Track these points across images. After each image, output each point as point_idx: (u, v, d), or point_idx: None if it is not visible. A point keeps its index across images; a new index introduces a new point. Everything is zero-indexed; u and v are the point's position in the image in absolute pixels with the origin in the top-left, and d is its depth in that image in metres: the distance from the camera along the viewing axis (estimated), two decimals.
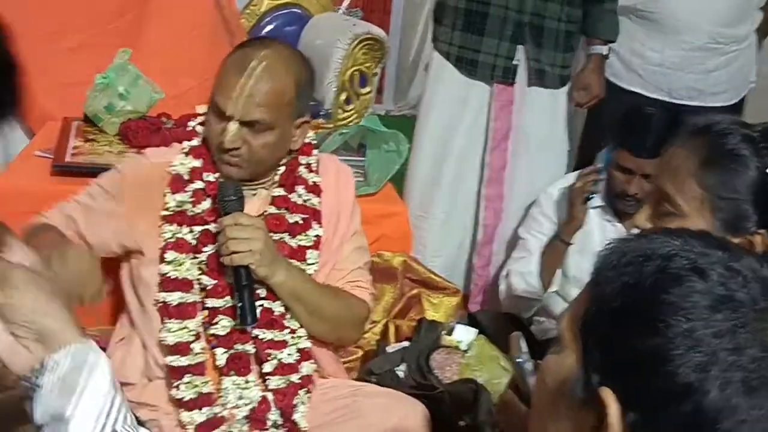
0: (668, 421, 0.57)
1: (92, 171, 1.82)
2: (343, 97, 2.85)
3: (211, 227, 1.42)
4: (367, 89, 2.94)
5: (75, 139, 2.04)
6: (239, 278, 1.36)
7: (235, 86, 1.35)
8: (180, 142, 1.51)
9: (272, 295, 1.42)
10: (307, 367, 1.44)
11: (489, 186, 2.28)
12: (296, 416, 1.42)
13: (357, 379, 1.70)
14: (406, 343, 1.85)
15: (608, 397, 0.58)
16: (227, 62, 1.40)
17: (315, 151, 1.54)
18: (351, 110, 2.89)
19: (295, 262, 1.44)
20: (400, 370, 1.76)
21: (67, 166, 1.89)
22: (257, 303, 1.39)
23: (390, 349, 1.84)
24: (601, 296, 0.62)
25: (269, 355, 1.41)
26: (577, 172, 1.97)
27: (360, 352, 1.91)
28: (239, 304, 1.37)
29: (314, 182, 1.51)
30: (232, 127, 1.37)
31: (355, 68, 2.85)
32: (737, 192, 1.09)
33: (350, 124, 2.76)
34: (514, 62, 2.22)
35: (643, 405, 0.57)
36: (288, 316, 1.43)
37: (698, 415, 0.56)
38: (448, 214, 2.34)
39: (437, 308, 1.98)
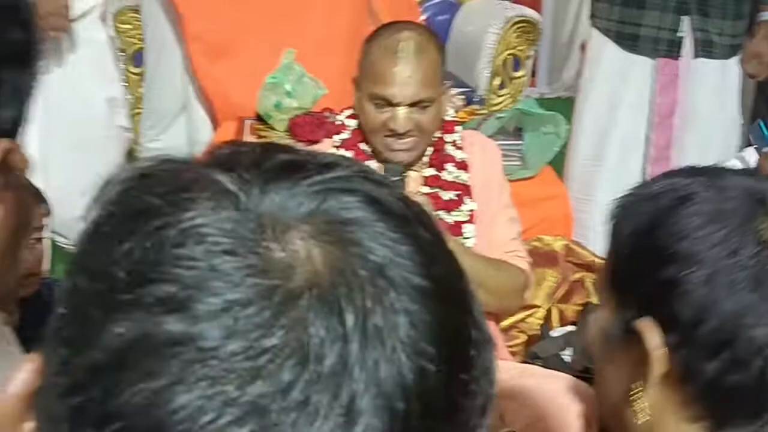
0: (702, 336, 0.62)
1: None
2: (496, 82, 2.84)
3: None
4: (521, 72, 2.90)
5: (249, 137, 2.20)
6: None
7: (396, 74, 1.40)
8: (331, 137, 1.58)
9: None
10: None
11: (654, 165, 2.19)
12: None
13: (522, 363, 1.71)
14: (571, 328, 1.83)
15: (644, 325, 0.64)
16: (374, 53, 1.44)
17: (458, 128, 1.57)
18: (505, 95, 2.87)
19: (453, 237, 1.48)
20: (566, 355, 1.75)
21: None
22: None
23: (554, 333, 1.83)
24: (619, 246, 0.68)
25: None
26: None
27: (523, 337, 1.91)
28: None
29: (461, 159, 1.54)
30: (402, 112, 1.41)
31: (508, 52, 2.83)
32: None
33: (504, 108, 2.75)
34: (679, 34, 2.12)
35: (676, 326, 0.63)
36: None
37: (723, 323, 0.61)
38: (613, 196, 2.26)
39: None
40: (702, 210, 0.64)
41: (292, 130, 2.19)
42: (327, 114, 2.23)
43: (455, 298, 0.34)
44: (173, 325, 0.29)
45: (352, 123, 1.53)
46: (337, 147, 1.53)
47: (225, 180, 0.32)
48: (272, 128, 2.25)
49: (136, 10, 2.67)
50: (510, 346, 1.81)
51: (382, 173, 1.45)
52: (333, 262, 0.31)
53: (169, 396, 0.29)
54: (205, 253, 0.30)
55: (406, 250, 0.32)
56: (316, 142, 2.04)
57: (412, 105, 1.41)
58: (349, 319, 0.30)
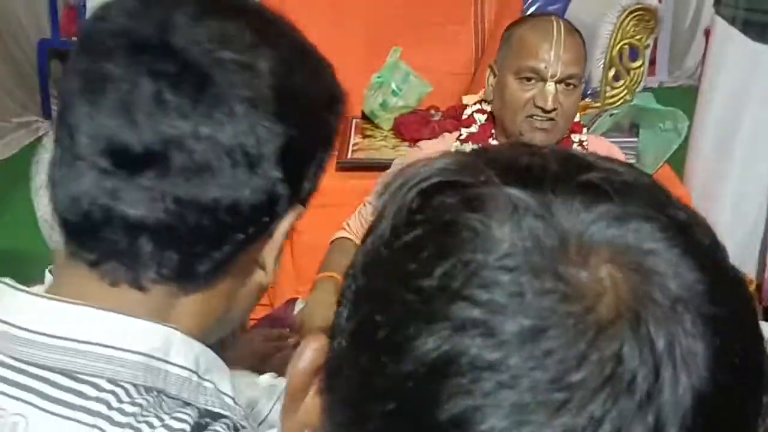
0: None
1: (371, 165, 1.97)
2: (611, 73, 2.71)
3: None
4: (638, 63, 2.76)
5: (355, 136, 2.21)
6: None
7: (550, 48, 1.40)
8: (449, 132, 1.56)
9: None
10: None
11: None
12: None
13: None
14: None
15: None
16: (524, 32, 1.45)
17: (585, 130, 1.55)
18: (620, 86, 2.74)
19: None
20: None
21: (350, 162, 2.05)
22: None
23: None
24: None
25: None
26: None
27: None
28: None
29: None
30: (552, 87, 1.40)
31: (624, 42, 2.70)
32: None
33: (620, 101, 2.63)
34: None
35: None
36: None
37: None
38: (739, 196, 2.11)
39: None
40: None
41: (396, 128, 2.19)
42: (432, 112, 2.22)
43: (748, 327, 0.35)
44: (481, 348, 0.30)
45: (481, 117, 1.53)
46: (463, 140, 1.52)
47: (528, 200, 0.33)
48: (378, 127, 2.25)
49: None
50: None
51: None
52: (636, 290, 0.31)
53: (480, 416, 0.30)
54: (512, 280, 0.31)
55: (702, 279, 0.33)
56: (420, 140, 2.02)
57: (559, 82, 1.41)
58: (660, 349, 0.31)
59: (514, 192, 0.33)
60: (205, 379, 0.57)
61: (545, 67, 1.40)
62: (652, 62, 3.91)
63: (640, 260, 0.32)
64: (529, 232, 0.32)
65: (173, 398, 0.55)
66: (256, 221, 0.57)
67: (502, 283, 0.31)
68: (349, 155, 2.09)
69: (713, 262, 0.34)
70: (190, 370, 0.56)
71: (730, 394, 0.32)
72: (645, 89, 2.63)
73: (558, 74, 1.40)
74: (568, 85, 1.42)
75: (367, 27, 2.43)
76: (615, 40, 2.67)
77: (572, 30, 1.45)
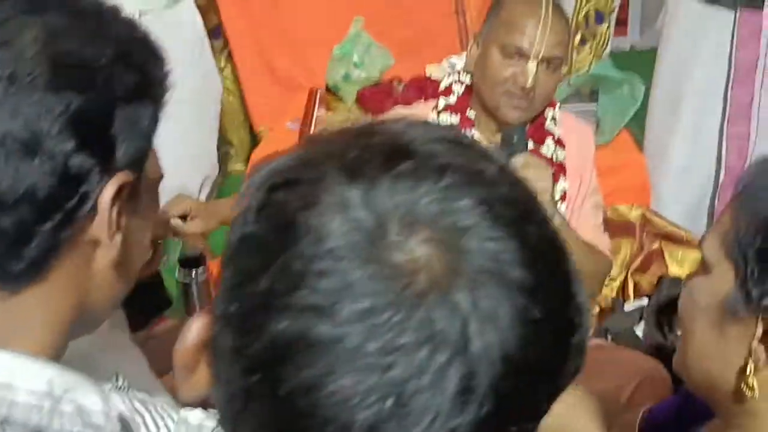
0: None
1: None
2: (577, 38, 2.71)
3: None
4: (604, 26, 2.76)
5: (319, 109, 2.20)
6: None
7: (535, 25, 1.39)
8: (409, 104, 1.55)
9: None
10: None
11: (733, 123, 2.02)
12: None
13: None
14: (645, 301, 1.76)
15: None
16: (512, 7, 1.43)
17: (558, 105, 1.54)
18: (586, 50, 2.75)
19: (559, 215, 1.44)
20: (639, 329, 1.69)
21: None
22: None
23: (628, 307, 1.77)
24: (750, 218, 0.64)
25: None
26: None
27: (596, 309, 1.86)
28: None
29: (559, 137, 1.51)
30: (533, 66, 1.39)
31: (589, 5, 2.69)
32: None
33: (585, 65, 2.64)
34: None
35: None
36: None
37: None
38: (689, 157, 2.13)
39: (681, 263, 1.85)
40: None
41: (360, 101, 2.19)
42: (395, 83, 2.21)
43: (557, 287, 0.39)
44: (321, 327, 0.36)
45: (459, 89, 1.53)
46: (440, 111, 1.53)
47: (355, 195, 0.38)
48: (341, 100, 2.25)
49: None
50: None
51: (493, 140, 1.44)
52: (448, 264, 0.37)
53: (324, 383, 0.36)
54: (342, 268, 0.36)
55: (509, 248, 0.37)
56: (383, 112, 2.02)
57: (542, 62, 1.40)
58: (466, 312, 0.36)
59: (344, 188, 0.38)
60: (65, 401, 0.53)
61: (529, 46, 1.39)
62: (624, 23, 3.90)
63: (451, 238, 0.37)
64: (355, 224, 0.37)
65: (22, 424, 0.51)
66: (58, 206, 0.52)
67: (334, 271, 0.36)
68: (312, 130, 2.09)
69: (522, 232, 0.38)
70: (42, 395, 0.53)
71: (534, 345, 0.37)
72: (618, 52, 2.62)
73: (541, 54, 1.39)
74: (549, 65, 1.41)
75: None
76: (580, 4, 2.67)
77: (560, 12, 1.45)
